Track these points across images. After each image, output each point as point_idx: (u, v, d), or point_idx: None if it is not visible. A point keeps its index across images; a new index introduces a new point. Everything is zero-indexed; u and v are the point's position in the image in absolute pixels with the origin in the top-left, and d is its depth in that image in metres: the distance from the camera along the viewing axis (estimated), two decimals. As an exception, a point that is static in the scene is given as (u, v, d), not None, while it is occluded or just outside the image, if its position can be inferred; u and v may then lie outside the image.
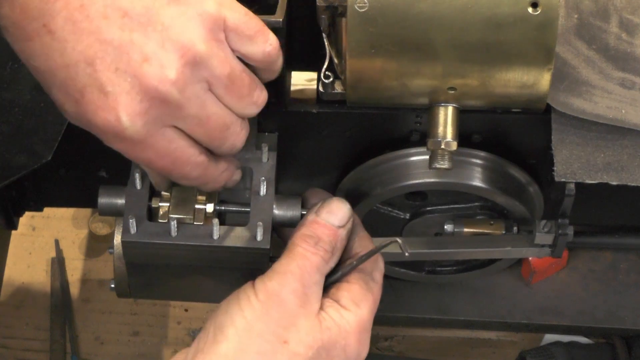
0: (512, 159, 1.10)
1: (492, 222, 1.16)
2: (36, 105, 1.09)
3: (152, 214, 0.98)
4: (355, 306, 0.92)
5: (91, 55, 0.82)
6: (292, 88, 1.08)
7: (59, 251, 1.66)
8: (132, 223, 0.95)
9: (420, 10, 0.93)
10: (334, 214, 0.95)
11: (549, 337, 1.53)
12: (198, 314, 1.62)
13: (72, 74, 0.83)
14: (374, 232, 1.01)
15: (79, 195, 1.22)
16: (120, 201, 0.98)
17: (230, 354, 0.88)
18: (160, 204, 0.97)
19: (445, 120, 1.00)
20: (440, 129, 1.00)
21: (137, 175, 0.97)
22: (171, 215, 0.96)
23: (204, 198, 0.97)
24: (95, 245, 1.67)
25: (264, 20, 0.94)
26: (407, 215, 1.21)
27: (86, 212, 1.68)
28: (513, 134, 1.08)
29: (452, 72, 0.96)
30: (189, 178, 0.91)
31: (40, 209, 1.25)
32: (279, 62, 0.91)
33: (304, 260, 0.92)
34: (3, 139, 1.08)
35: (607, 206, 1.18)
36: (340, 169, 1.14)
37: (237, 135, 0.90)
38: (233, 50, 0.87)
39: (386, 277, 0.98)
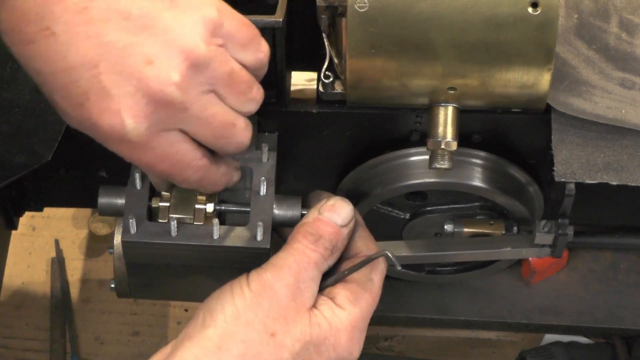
0: (512, 159, 1.10)
1: (492, 222, 1.16)
2: (36, 105, 1.09)
3: (152, 214, 0.98)
4: (350, 305, 0.92)
5: (94, 58, 0.82)
6: (292, 88, 1.08)
7: (59, 251, 1.66)
8: (132, 223, 0.95)
9: (420, 10, 0.93)
10: (337, 213, 0.95)
11: (549, 337, 1.53)
12: (198, 314, 1.62)
13: (75, 77, 0.83)
14: (374, 232, 1.01)
15: (79, 195, 1.22)
16: (120, 201, 0.98)
17: (216, 339, 0.88)
18: (161, 204, 0.97)
19: (445, 120, 1.00)
20: (440, 129, 1.00)
21: (137, 176, 0.97)
22: (171, 215, 0.96)
23: (204, 198, 0.98)
24: (95, 245, 1.67)
25: (264, 20, 0.94)
26: (407, 215, 1.21)
27: (86, 212, 1.68)
28: (513, 134, 1.08)
29: (452, 72, 0.96)
30: (189, 181, 0.91)
31: (40, 209, 1.25)
32: (267, 67, 0.91)
33: (302, 255, 0.92)
34: (3, 139, 1.08)
35: (607, 206, 1.18)
36: (340, 169, 1.14)
37: (243, 132, 0.90)
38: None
39: (386, 277, 0.98)
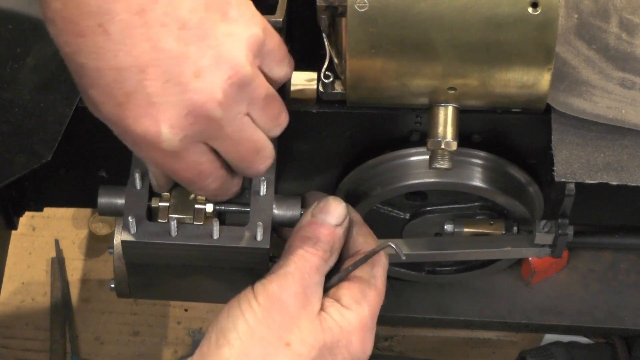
0: (512, 159, 1.10)
1: (492, 222, 1.16)
2: (36, 105, 1.09)
3: (152, 214, 0.98)
4: (357, 305, 0.92)
5: (145, 62, 0.81)
6: (292, 88, 1.08)
7: (59, 251, 1.66)
8: (132, 223, 0.95)
9: (420, 10, 0.93)
10: (330, 214, 0.95)
11: (549, 337, 1.53)
12: (198, 314, 1.62)
13: (122, 77, 0.82)
14: (374, 232, 1.00)
15: (79, 195, 1.22)
16: (120, 201, 0.98)
17: (233, 358, 0.88)
18: (160, 204, 0.97)
19: (445, 120, 1.00)
20: (440, 129, 1.00)
21: (137, 175, 0.97)
22: (171, 215, 0.96)
23: (203, 198, 0.98)
24: (95, 245, 1.67)
25: (264, 20, 0.94)
26: (407, 215, 1.21)
27: (86, 212, 1.68)
28: (513, 134, 1.08)
29: (452, 72, 0.96)
30: (206, 189, 0.91)
31: (40, 209, 1.25)
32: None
33: (303, 261, 0.92)
34: (3, 139, 1.08)
35: (607, 206, 1.18)
36: (340, 169, 1.14)
37: (266, 160, 0.91)
38: (262, 72, 0.88)
39: (387, 277, 0.98)
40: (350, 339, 0.91)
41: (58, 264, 1.64)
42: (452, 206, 1.19)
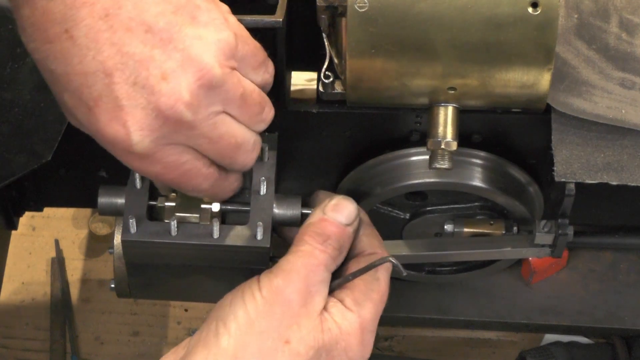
0: (512, 159, 1.10)
1: (492, 222, 1.16)
2: (36, 105, 1.09)
3: (157, 214, 0.98)
4: (358, 307, 0.92)
5: (111, 66, 0.82)
6: (292, 88, 1.08)
7: (59, 251, 1.66)
8: (132, 222, 0.95)
9: (420, 10, 0.93)
10: (341, 212, 0.96)
11: (549, 337, 1.53)
12: (198, 314, 1.62)
13: (89, 82, 0.82)
14: (374, 232, 1.01)
15: (79, 195, 1.22)
16: (120, 201, 0.98)
17: (231, 349, 0.88)
18: (166, 204, 0.97)
19: (445, 120, 1.00)
20: (440, 129, 1.00)
21: (137, 175, 0.97)
22: (177, 214, 0.97)
23: None
24: (95, 245, 1.67)
25: (264, 20, 0.94)
26: (407, 215, 1.21)
27: (86, 212, 1.68)
28: (513, 134, 1.08)
29: (452, 72, 0.96)
30: (199, 190, 0.91)
31: (40, 209, 1.25)
32: (271, 85, 0.93)
33: (311, 258, 0.92)
34: (3, 139, 1.08)
35: (607, 206, 1.18)
36: (340, 169, 1.14)
37: (249, 154, 0.91)
38: None
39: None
40: (350, 341, 0.91)
41: (58, 264, 1.64)
42: (452, 206, 1.19)
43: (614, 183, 0.99)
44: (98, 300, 1.63)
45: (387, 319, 1.41)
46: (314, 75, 1.06)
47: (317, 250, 0.92)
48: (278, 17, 0.96)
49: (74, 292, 1.63)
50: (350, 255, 0.97)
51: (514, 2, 0.92)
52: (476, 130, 1.07)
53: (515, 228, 1.15)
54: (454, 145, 0.99)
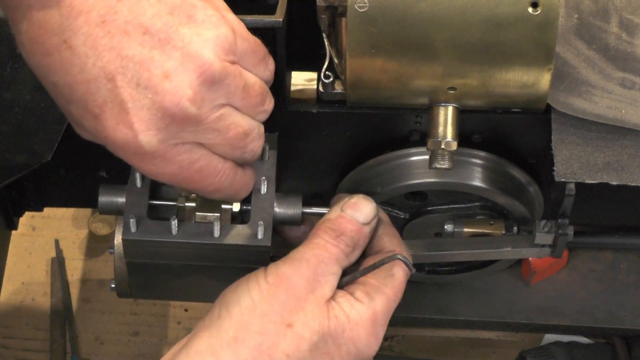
0: (512, 159, 1.10)
1: (492, 222, 1.16)
2: (36, 105, 1.09)
3: (178, 214, 0.97)
4: (369, 299, 0.93)
5: (112, 71, 0.82)
6: (292, 88, 1.08)
7: (59, 251, 1.66)
8: (133, 222, 0.95)
9: (420, 10, 0.93)
10: (360, 211, 0.96)
11: (549, 337, 1.53)
12: (198, 314, 1.62)
13: (92, 89, 0.83)
14: (374, 231, 1.01)
15: (79, 195, 1.22)
16: (121, 200, 0.98)
17: (232, 330, 0.89)
18: (187, 204, 0.97)
19: (445, 120, 1.00)
20: (440, 129, 1.00)
21: (138, 174, 0.98)
22: (197, 214, 0.97)
23: None
24: (95, 245, 1.67)
25: (264, 20, 0.94)
26: (407, 215, 1.21)
27: (86, 212, 1.68)
28: (513, 134, 1.08)
29: (452, 72, 0.96)
30: (220, 189, 0.91)
31: (40, 209, 1.25)
32: (272, 81, 0.93)
33: (323, 250, 0.92)
34: (3, 139, 1.08)
35: (607, 206, 1.18)
36: (340, 169, 1.14)
37: (256, 141, 0.91)
38: None
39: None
40: (358, 331, 0.91)
41: (58, 264, 1.64)
42: (452, 206, 1.19)
43: (614, 183, 0.99)
44: (98, 300, 1.63)
45: (387, 319, 1.42)
46: (314, 75, 1.07)
47: (330, 244, 0.93)
48: (278, 17, 0.96)
49: (74, 292, 1.63)
50: (370, 252, 0.98)
51: (514, 2, 0.92)
52: (476, 130, 1.07)
53: (515, 228, 1.15)
54: (454, 145, 0.99)
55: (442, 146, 0.99)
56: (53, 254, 1.66)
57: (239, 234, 0.96)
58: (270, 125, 1.04)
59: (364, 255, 0.97)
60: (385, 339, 1.56)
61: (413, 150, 1.09)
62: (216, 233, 0.96)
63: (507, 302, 1.41)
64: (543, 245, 1.10)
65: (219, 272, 1.01)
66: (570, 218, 1.06)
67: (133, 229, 0.96)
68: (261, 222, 0.96)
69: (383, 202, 1.18)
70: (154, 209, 0.98)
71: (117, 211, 0.99)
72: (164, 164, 0.87)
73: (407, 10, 0.93)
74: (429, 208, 1.19)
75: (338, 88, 1.03)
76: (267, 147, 1.00)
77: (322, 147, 1.11)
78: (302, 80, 1.12)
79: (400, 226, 1.21)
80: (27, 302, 1.63)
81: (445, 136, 0.99)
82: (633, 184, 0.99)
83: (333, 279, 0.92)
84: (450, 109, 1.00)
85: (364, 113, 1.05)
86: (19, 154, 1.08)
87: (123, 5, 0.82)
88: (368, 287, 0.93)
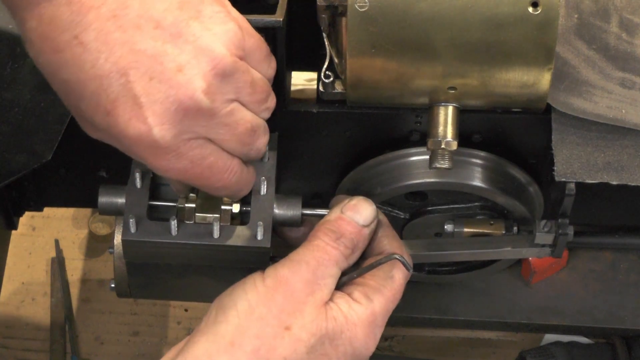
0: (512, 159, 1.10)
1: (492, 222, 1.16)
2: (36, 105, 1.09)
3: (178, 215, 0.97)
4: (367, 300, 0.92)
5: (124, 65, 0.82)
6: (292, 88, 1.08)
7: (59, 251, 1.66)
8: (132, 222, 0.95)
9: (420, 10, 0.93)
10: (359, 213, 0.96)
11: (549, 337, 1.53)
12: (198, 314, 1.62)
13: (105, 84, 0.82)
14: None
15: (79, 195, 1.22)
16: (121, 200, 0.98)
17: (229, 335, 0.89)
18: (187, 205, 0.97)
19: (446, 120, 1.00)
20: (441, 129, 1.00)
21: (137, 175, 0.97)
22: (197, 214, 0.97)
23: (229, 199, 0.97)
24: (95, 245, 1.67)
25: (264, 20, 0.94)
26: (407, 215, 1.21)
27: (86, 212, 1.68)
28: (513, 134, 1.08)
29: (452, 72, 0.96)
30: (227, 185, 0.91)
31: (40, 209, 1.25)
32: (273, 80, 0.93)
33: (322, 252, 0.92)
34: (3, 139, 1.08)
35: (607, 206, 1.18)
36: (340, 169, 1.14)
37: (262, 138, 0.91)
38: None
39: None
40: (355, 331, 0.91)
41: (58, 264, 1.64)
42: (452, 206, 1.19)
43: (614, 183, 0.99)
44: (98, 300, 1.63)
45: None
46: (314, 75, 1.07)
47: (329, 246, 0.93)
48: (278, 17, 0.96)
49: (74, 292, 1.63)
50: (369, 254, 0.97)
51: (514, 2, 0.92)
52: (476, 130, 1.07)
53: (515, 228, 1.15)
54: (454, 145, 0.99)
55: (442, 146, 0.99)
56: (53, 254, 1.66)
57: (238, 235, 0.96)
58: (270, 125, 1.04)
59: (363, 257, 0.97)
60: (385, 339, 1.56)
61: (413, 150, 1.09)
62: (216, 234, 0.96)
63: (507, 302, 1.41)
64: (543, 245, 1.10)
65: (219, 272, 1.01)
66: (570, 218, 1.06)
67: (133, 230, 0.96)
68: (261, 223, 0.96)
69: (383, 202, 1.18)
70: (153, 210, 0.98)
71: (116, 211, 0.99)
72: (176, 159, 0.86)
73: (407, 10, 0.93)
74: (429, 208, 1.19)
75: (338, 88, 1.03)
76: (267, 148, 1.00)
77: (322, 147, 1.11)
78: (302, 80, 1.12)
79: (400, 226, 1.21)
80: (27, 302, 1.63)
81: (445, 136, 0.99)
82: (633, 184, 0.99)
83: (332, 282, 0.92)
84: (450, 108, 1.00)
85: (364, 113, 1.05)
86: (19, 154, 1.08)
87: (133, 0, 0.82)
88: (366, 288, 0.93)
